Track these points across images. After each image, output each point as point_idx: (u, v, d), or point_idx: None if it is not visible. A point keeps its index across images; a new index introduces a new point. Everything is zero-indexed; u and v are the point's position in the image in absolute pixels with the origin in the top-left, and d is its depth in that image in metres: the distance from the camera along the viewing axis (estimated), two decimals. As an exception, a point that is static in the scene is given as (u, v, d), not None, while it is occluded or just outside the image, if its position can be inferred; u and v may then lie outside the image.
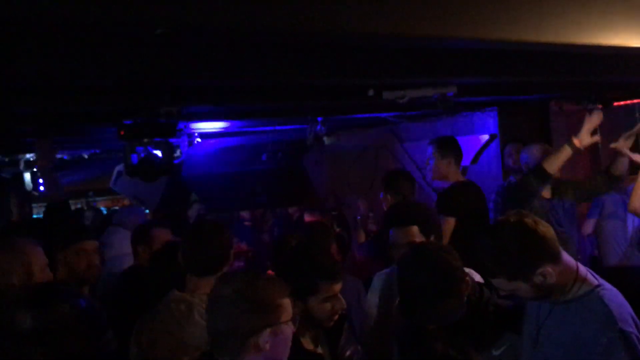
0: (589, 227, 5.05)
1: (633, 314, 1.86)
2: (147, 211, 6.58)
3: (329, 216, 5.37)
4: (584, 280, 1.89)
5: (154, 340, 2.40)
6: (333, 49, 2.81)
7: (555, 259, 1.86)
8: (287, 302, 1.78)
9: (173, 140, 5.29)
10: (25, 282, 2.31)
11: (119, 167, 6.90)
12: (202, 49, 2.58)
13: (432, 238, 2.71)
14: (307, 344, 2.28)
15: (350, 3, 1.92)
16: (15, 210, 7.46)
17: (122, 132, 3.94)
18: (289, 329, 1.78)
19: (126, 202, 9.76)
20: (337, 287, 2.24)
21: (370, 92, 3.89)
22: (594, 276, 1.92)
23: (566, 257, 1.91)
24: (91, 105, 3.59)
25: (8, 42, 2.26)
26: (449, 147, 4.00)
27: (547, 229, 1.87)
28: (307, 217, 5.52)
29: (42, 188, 7.12)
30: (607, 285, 1.91)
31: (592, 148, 5.26)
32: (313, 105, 4.38)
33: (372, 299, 2.95)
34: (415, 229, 2.67)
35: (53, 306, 1.80)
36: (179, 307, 2.41)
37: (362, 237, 4.90)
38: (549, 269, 1.83)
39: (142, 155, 4.05)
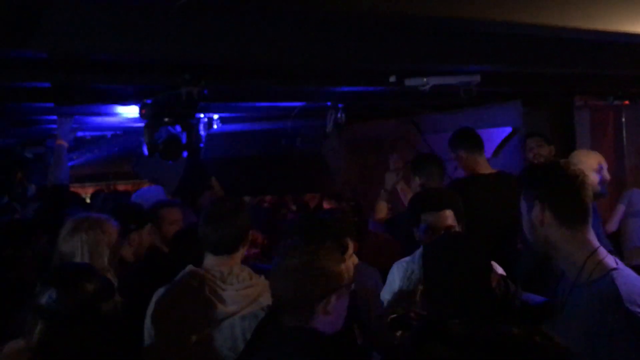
0: (614, 224, 4.95)
1: None
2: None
3: (347, 205, 5.32)
4: (600, 262, 1.79)
5: (166, 313, 2.42)
6: (355, 29, 2.78)
7: (569, 219, 1.82)
8: (344, 268, 1.94)
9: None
10: (111, 261, 2.36)
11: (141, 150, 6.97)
12: (222, 25, 2.58)
13: (461, 225, 2.73)
14: None
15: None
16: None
17: (143, 111, 3.97)
18: (347, 293, 1.93)
19: (146, 185, 9.83)
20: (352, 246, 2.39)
21: (392, 79, 3.85)
22: (615, 262, 1.82)
23: (589, 233, 1.84)
24: (113, 82, 3.61)
25: (31, 13, 2.28)
26: (455, 141, 3.98)
27: (587, 191, 1.85)
28: (326, 204, 5.47)
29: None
30: (627, 270, 1.81)
31: (617, 144, 5.20)
32: (333, 91, 4.36)
33: (391, 287, 2.92)
34: (450, 213, 2.71)
35: (80, 285, 1.88)
36: (192, 283, 2.43)
37: (383, 212, 4.73)
38: (550, 215, 1.82)
39: (164, 135, 4.08)
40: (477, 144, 3.96)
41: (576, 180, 1.85)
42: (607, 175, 3.54)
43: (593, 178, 3.41)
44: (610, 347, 1.67)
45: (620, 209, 4.91)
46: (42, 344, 1.81)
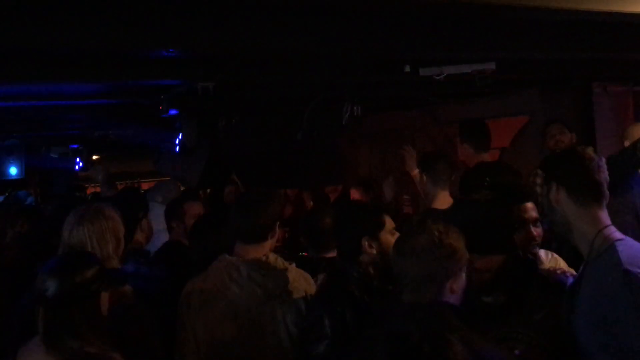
0: None
1: None
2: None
3: (371, 195, 5.30)
4: (607, 236, 1.88)
5: (205, 301, 2.48)
6: (368, 16, 2.79)
7: (582, 198, 1.91)
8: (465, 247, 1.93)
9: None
10: (116, 249, 2.39)
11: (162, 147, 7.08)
12: (240, 17, 2.61)
13: None
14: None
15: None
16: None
17: (160, 107, 4.04)
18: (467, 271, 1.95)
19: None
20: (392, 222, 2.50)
21: (407, 68, 3.85)
22: (623, 237, 1.90)
23: (602, 212, 1.93)
24: (130, 78, 3.67)
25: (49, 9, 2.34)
26: (466, 132, 3.95)
27: (600, 173, 1.93)
28: (354, 194, 5.45)
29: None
30: (633, 241, 1.89)
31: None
32: (349, 81, 4.37)
33: None
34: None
35: (79, 273, 1.91)
36: (229, 271, 2.50)
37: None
38: (564, 193, 1.92)
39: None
40: (484, 142, 3.93)
41: (589, 162, 1.94)
42: None
43: None
44: (612, 307, 1.75)
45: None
46: (46, 330, 1.86)
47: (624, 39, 3.38)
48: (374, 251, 2.40)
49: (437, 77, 3.84)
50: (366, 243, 2.41)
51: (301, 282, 2.57)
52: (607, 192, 1.95)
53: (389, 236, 2.40)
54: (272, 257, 2.56)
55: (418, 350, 1.38)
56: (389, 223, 2.47)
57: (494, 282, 2.01)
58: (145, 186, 12.16)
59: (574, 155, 2.03)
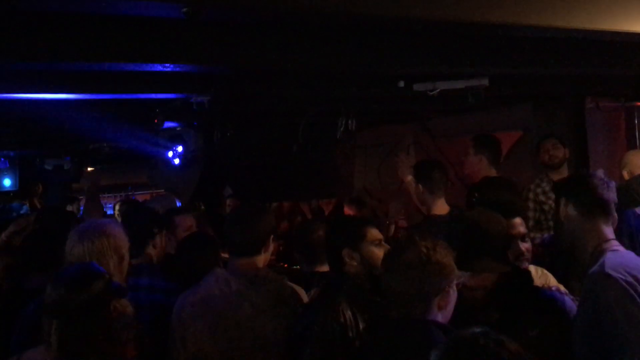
0: None
1: None
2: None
3: (368, 210, 5.35)
4: (607, 247, 1.95)
5: (195, 314, 2.48)
6: (362, 34, 2.82)
7: (589, 212, 2.00)
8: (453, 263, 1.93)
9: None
10: (117, 266, 2.38)
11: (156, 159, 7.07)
12: (238, 33, 2.63)
13: None
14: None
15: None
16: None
17: (155, 120, 4.05)
18: (456, 287, 1.95)
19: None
20: (379, 234, 2.49)
21: (401, 83, 3.88)
22: (618, 249, 1.96)
23: (606, 227, 2.02)
24: (125, 92, 3.68)
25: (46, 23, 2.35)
26: (483, 144, 3.98)
27: (607, 189, 2.02)
28: (347, 210, 5.50)
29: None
30: (626, 251, 1.97)
31: (630, 146, 5.14)
32: (344, 95, 4.39)
33: None
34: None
35: (92, 284, 1.91)
36: (220, 285, 2.49)
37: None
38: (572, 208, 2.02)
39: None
40: (498, 157, 3.99)
41: (599, 181, 2.05)
42: None
43: None
44: (594, 311, 1.82)
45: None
46: (61, 342, 1.85)
47: (616, 55, 3.41)
48: (354, 262, 2.38)
49: (431, 93, 3.87)
50: (346, 254, 2.40)
51: (292, 297, 2.56)
52: (614, 212, 2.04)
53: (373, 248, 2.39)
54: (264, 271, 2.55)
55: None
56: (373, 235, 2.44)
57: (487, 299, 2.02)
58: (140, 198, 12.17)
59: (585, 176, 2.16)
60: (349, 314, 2.25)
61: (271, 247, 2.66)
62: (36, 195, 8.32)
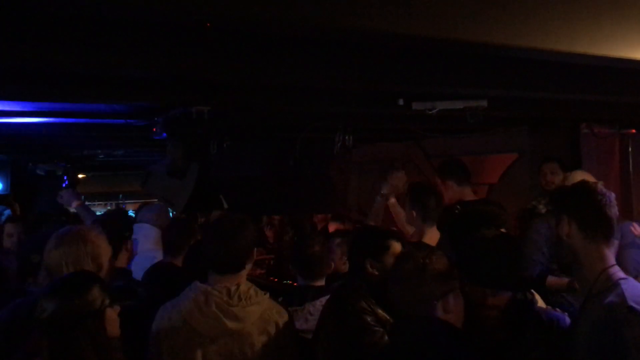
0: None
1: None
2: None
3: (352, 225, 5.36)
4: (611, 275, 1.91)
5: (171, 328, 2.42)
6: (360, 51, 2.83)
7: (593, 232, 1.97)
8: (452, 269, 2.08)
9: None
10: (96, 272, 2.31)
11: (150, 168, 7.02)
12: (231, 47, 2.63)
13: None
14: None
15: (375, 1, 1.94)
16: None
17: (154, 129, 4.04)
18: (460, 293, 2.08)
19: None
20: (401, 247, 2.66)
21: (400, 102, 3.90)
22: (627, 277, 1.93)
23: (609, 249, 1.99)
24: (123, 100, 3.67)
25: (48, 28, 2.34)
26: (445, 171, 4.02)
27: (611, 208, 2.01)
28: (332, 226, 5.50)
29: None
30: (635, 281, 1.92)
31: (623, 172, 5.19)
32: (343, 112, 4.41)
33: None
34: None
35: (79, 294, 1.88)
36: (198, 298, 2.43)
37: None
38: (575, 227, 1.98)
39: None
40: (466, 177, 3.98)
41: (602, 197, 2.00)
42: None
43: None
44: (613, 343, 1.77)
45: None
46: (53, 357, 1.79)
47: (612, 82, 3.45)
48: (376, 272, 2.59)
49: (430, 112, 3.89)
50: (369, 264, 2.60)
51: (272, 314, 2.48)
52: (615, 232, 2.01)
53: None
54: (245, 286, 2.46)
55: None
56: (396, 248, 2.63)
57: (499, 319, 2.04)
58: (130, 207, 12.11)
59: (586, 189, 2.07)
60: (365, 306, 2.45)
61: (254, 256, 2.58)
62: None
